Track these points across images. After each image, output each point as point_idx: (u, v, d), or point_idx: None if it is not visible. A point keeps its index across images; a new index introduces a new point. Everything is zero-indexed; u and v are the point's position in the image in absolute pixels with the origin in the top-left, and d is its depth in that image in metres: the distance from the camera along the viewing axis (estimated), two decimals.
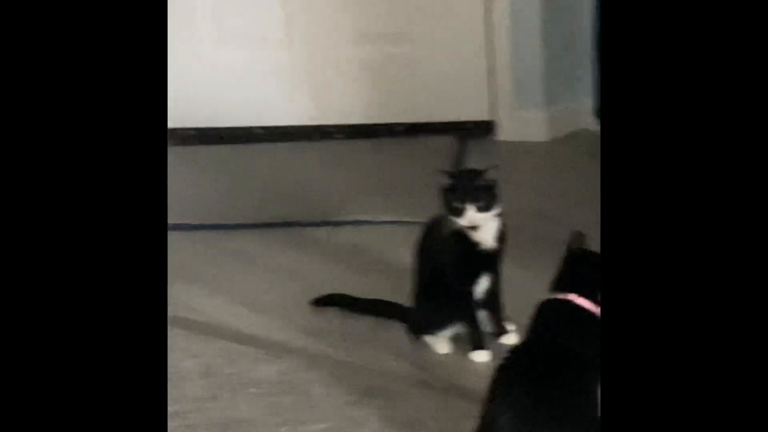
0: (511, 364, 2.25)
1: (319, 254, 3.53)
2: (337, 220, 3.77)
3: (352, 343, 2.98)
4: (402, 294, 3.05)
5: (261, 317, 3.15)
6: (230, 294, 3.27)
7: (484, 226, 2.77)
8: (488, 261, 2.82)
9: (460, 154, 4.28)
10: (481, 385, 2.67)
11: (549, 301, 2.33)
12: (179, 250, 3.27)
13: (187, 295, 3.23)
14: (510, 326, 2.93)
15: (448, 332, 2.91)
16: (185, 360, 2.87)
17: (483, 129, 4.46)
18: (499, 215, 2.80)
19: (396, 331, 3.01)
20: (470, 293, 2.84)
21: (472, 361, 2.86)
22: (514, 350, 2.29)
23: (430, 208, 3.75)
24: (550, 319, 2.31)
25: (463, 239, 2.78)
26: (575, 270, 2.35)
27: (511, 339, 2.90)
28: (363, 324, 3.07)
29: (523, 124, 4.41)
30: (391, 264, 3.41)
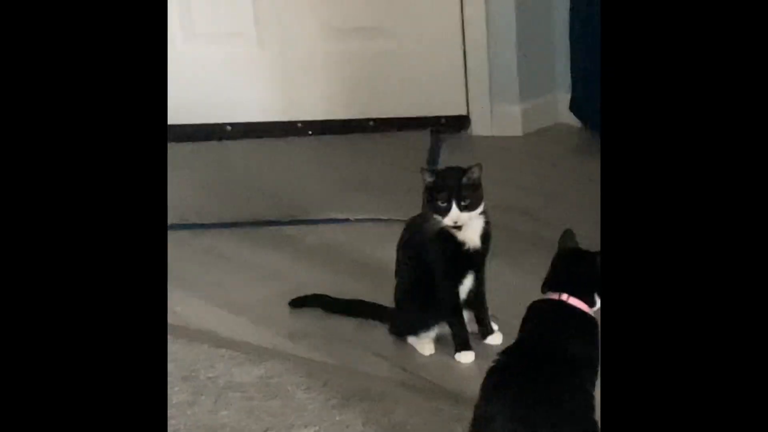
0: (504, 366, 2.24)
1: (296, 253, 3.51)
2: (313, 219, 3.75)
3: (334, 344, 2.96)
4: (383, 294, 3.04)
5: (240, 319, 3.12)
6: (207, 295, 3.25)
7: (468, 225, 2.76)
8: (473, 260, 2.82)
9: (434, 150, 4.28)
10: (468, 386, 2.68)
11: (541, 301, 2.32)
12: None
13: None
14: (494, 326, 2.92)
15: (432, 333, 2.90)
16: None
17: (458, 124, 4.45)
18: (484, 213, 2.78)
19: (378, 332, 2.99)
20: (454, 293, 2.83)
21: (457, 362, 2.85)
22: (506, 351, 2.28)
23: (407, 205, 3.75)
24: (543, 320, 2.30)
25: (447, 238, 2.77)
26: (567, 269, 2.34)
27: (496, 339, 2.90)
28: (344, 325, 3.06)
29: (498, 118, 4.41)
30: (369, 263, 3.40)
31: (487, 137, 4.43)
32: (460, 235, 2.77)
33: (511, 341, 2.80)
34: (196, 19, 4.44)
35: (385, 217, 3.69)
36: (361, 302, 3.07)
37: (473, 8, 4.29)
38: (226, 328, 3.07)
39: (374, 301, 3.06)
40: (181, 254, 3.49)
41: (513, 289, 3.05)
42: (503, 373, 2.23)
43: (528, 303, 2.97)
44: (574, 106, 4.37)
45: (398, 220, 3.58)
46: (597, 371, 2.25)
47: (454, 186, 2.72)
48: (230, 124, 4.45)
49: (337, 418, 2.61)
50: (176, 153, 4.42)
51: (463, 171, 2.74)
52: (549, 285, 2.34)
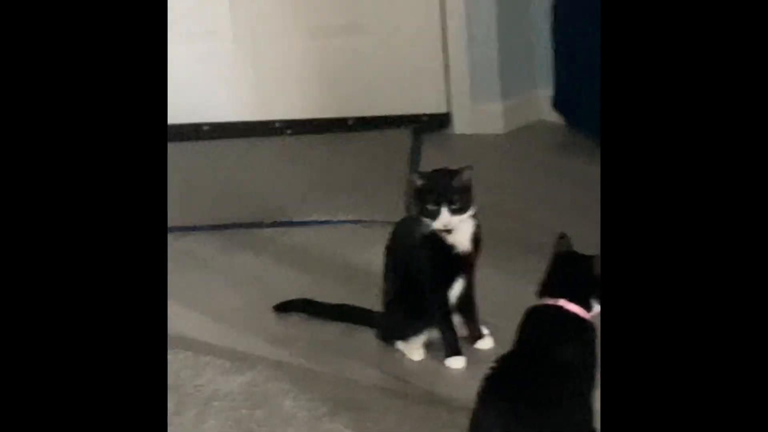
0: (500, 373, 2.21)
1: (277, 257, 3.47)
2: (293, 221, 3.71)
3: (320, 351, 2.92)
4: (368, 298, 3.01)
5: (223, 325, 3.08)
6: (188, 301, 3.20)
7: (458, 229, 2.72)
8: (463, 264, 2.78)
9: (415, 149, 4.24)
10: (460, 393, 2.65)
11: (538, 307, 2.29)
12: None
13: None
14: (484, 330, 2.89)
15: (422, 338, 2.86)
16: None
17: (438, 122, 4.42)
18: (474, 216, 2.75)
19: (365, 338, 2.96)
20: (444, 297, 2.80)
21: (447, 368, 2.82)
22: (503, 358, 2.24)
23: (389, 206, 3.73)
24: (539, 325, 2.27)
25: (437, 242, 2.74)
26: (563, 274, 2.31)
27: (486, 344, 2.87)
28: (330, 330, 3.02)
29: (479, 116, 4.38)
30: (353, 266, 3.36)
31: (468, 135, 4.40)
32: (450, 239, 2.73)
33: (502, 346, 2.79)
34: (170, 17, 4.34)
35: (368, 219, 3.66)
36: (347, 307, 3.03)
37: (453, 4, 4.26)
38: (208, 334, 3.03)
39: (360, 306, 3.02)
40: None
41: (501, 293, 3.02)
42: (500, 380, 2.20)
43: (517, 307, 2.94)
44: (557, 103, 4.35)
45: (381, 221, 3.56)
46: (595, 377, 2.22)
47: (445, 189, 2.69)
48: (207, 124, 4.40)
49: (326, 427, 2.58)
50: None
51: (454, 173, 2.71)
52: (545, 290, 2.31)
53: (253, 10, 4.36)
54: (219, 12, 4.35)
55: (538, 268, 3.17)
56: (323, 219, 3.69)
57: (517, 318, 2.88)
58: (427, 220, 2.71)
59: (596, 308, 2.29)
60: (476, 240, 2.77)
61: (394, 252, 2.87)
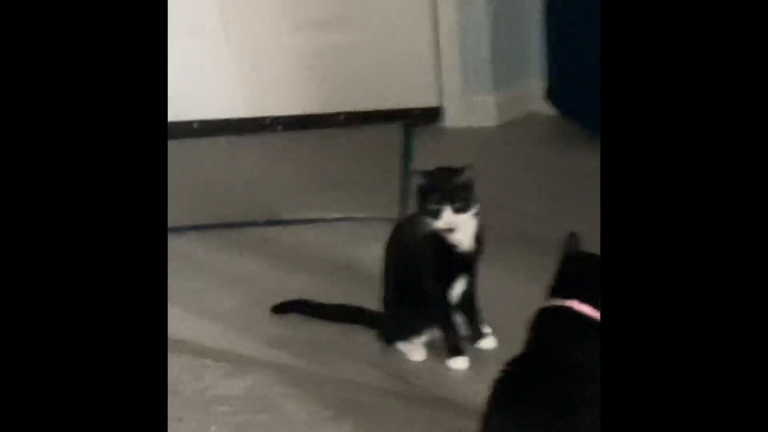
0: (512, 378, 2.19)
1: (273, 256, 3.45)
2: (287, 219, 3.70)
3: (320, 352, 2.91)
4: (367, 297, 2.99)
5: (220, 327, 3.06)
6: (183, 302, 3.17)
7: (461, 228, 2.71)
8: (465, 263, 2.77)
9: (407, 143, 4.23)
10: (464, 394, 2.64)
11: (549, 308, 2.27)
12: None
13: None
14: (486, 329, 2.88)
15: (423, 338, 2.85)
16: None
17: (430, 115, 4.40)
18: (477, 215, 2.73)
19: (366, 339, 2.94)
20: (446, 297, 2.78)
21: (450, 369, 2.80)
22: (514, 361, 2.22)
23: (383, 202, 3.72)
24: (551, 328, 2.25)
25: (438, 241, 2.72)
26: (574, 274, 2.29)
27: (489, 343, 2.86)
28: (329, 331, 3.00)
29: (471, 109, 4.37)
30: (350, 265, 3.34)
31: (460, 129, 4.39)
32: (453, 238, 2.72)
33: (505, 345, 2.79)
34: None
35: (363, 216, 3.64)
36: (346, 307, 3.01)
37: None
38: (206, 337, 3.01)
39: (359, 306, 3.00)
40: None
41: (500, 290, 3.02)
42: (512, 384, 2.18)
43: (517, 304, 2.94)
44: (550, 95, 4.33)
45: (377, 218, 3.55)
46: None
47: (447, 188, 2.67)
48: (197, 122, 4.37)
49: (331, 431, 2.55)
50: None
51: (456, 171, 2.69)
52: (555, 291, 2.29)
53: (242, 5, 4.34)
54: (208, 7, 4.33)
55: (538, 264, 3.16)
56: (317, 216, 3.67)
57: (517, 315, 2.87)
58: (428, 220, 2.69)
59: None
60: (478, 238, 2.75)
61: (395, 251, 2.85)
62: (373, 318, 2.92)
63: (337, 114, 4.40)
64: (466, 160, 2.78)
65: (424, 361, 2.84)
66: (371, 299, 2.94)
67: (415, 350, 2.84)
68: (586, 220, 3.53)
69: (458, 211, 2.68)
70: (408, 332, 2.84)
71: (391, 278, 2.86)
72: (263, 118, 4.39)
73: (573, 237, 2.33)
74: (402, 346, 2.86)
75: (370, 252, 3.28)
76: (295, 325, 3.04)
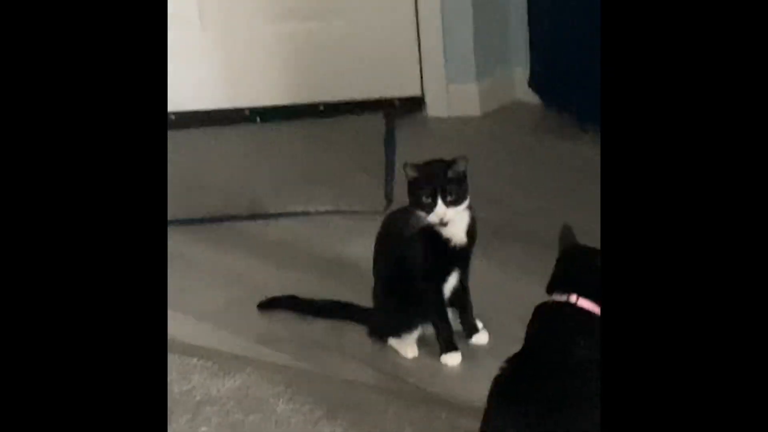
0: (513, 375, 2.18)
1: (256, 251, 3.42)
2: (271, 213, 3.67)
3: (310, 350, 2.89)
4: (355, 293, 2.97)
5: (206, 325, 3.04)
6: (168, 300, 3.11)
7: (454, 221, 2.69)
8: (458, 257, 2.75)
9: (390, 134, 4.20)
10: (459, 390, 2.63)
11: (548, 304, 2.25)
12: None
13: None
14: (479, 324, 2.86)
15: (415, 334, 2.83)
16: None
17: (413, 105, 4.38)
18: (469, 208, 2.72)
19: (355, 335, 2.92)
20: (439, 292, 2.77)
21: (443, 365, 2.79)
22: (515, 358, 2.21)
23: (368, 194, 3.69)
24: (551, 323, 2.23)
25: (431, 235, 2.70)
26: (573, 269, 2.27)
27: (482, 338, 2.84)
28: (318, 328, 2.98)
29: (454, 98, 4.35)
30: (337, 259, 3.32)
31: (443, 118, 4.37)
32: (446, 232, 2.70)
33: (498, 340, 2.78)
34: None
35: (349, 209, 3.62)
36: (335, 302, 2.99)
37: None
38: (192, 335, 2.98)
39: (348, 301, 2.98)
40: None
41: (492, 284, 3.00)
42: (512, 382, 2.16)
43: (509, 298, 2.95)
44: (534, 83, 4.32)
45: (362, 211, 3.53)
46: None
47: (439, 180, 2.65)
48: (174, 113, 4.32)
49: (325, 431, 2.53)
50: None
51: (448, 164, 2.68)
52: (555, 286, 2.27)
53: None
54: None
55: (529, 257, 3.18)
56: (301, 210, 3.64)
57: (509, 309, 2.88)
58: (421, 213, 2.67)
59: None
60: (471, 232, 2.73)
61: (386, 245, 2.83)
62: (363, 314, 2.90)
63: (317, 105, 4.37)
64: (451, 150, 2.77)
65: (416, 358, 2.82)
66: (361, 295, 2.92)
67: (407, 346, 2.83)
68: (577, 211, 3.53)
69: (451, 204, 2.66)
70: (400, 328, 2.82)
71: (382, 273, 2.84)
72: (242, 110, 4.36)
73: (567, 230, 2.31)
74: (394, 342, 2.84)
75: (358, 246, 3.27)
76: (283, 322, 3.02)
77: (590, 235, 2.27)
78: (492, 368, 2.68)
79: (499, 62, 4.38)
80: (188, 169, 4.03)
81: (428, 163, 2.70)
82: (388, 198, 3.64)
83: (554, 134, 4.19)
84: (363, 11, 4.31)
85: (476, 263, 2.89)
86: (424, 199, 2.65)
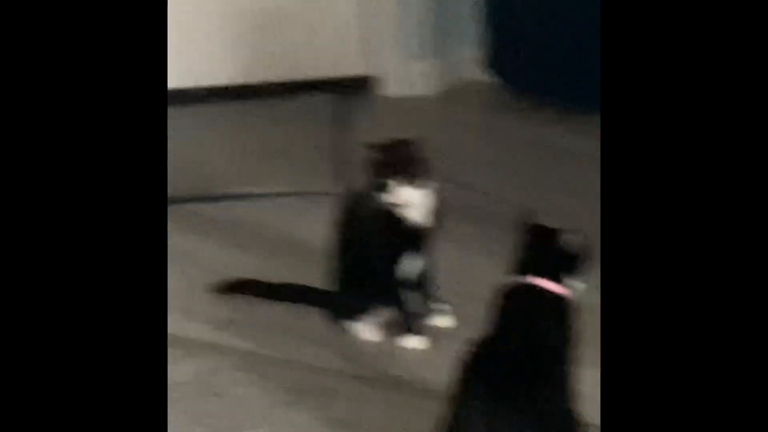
0: (478, 359, 2.17)
1: (211, 234, 3.40)
2: (223, 194, 3.64)
3: (269, 334, 2.86)
4: (313, 275, 2.95)
5: None
6: None
7: (414, 203, 2.68)
8: (419, 239, 2.74)
9: (341, 113, 4.19)
10: (422, 374, 2.62)
11: (512, 286, 2.25)
12: None
13: None
14: (442, 307, 2.86)
15: (376, 317, 2.82)
16: None
17: (364, 84, 4.36)
18: (431, 189, 2.70)
19: (315, 319, 2.90)
20: (400, 274, 2.76)
21: (405, 348, 2.78)
22: (481, 341, 2.20)
23: (320, 175, 3.68)
24: (515, 306, 2.23)
25: (390, 217, 2.69)
26: (535, 250, 2.27)
27: (444, 321, 2.84)
28: (277, 312, 2.96)
29: (406, 77, 4.34)
30: (292, 241, 3.31)
31: (395, 98, 4.36)
32: (405, 213, 2.69)
33: (460, 323, 2.78)
34: None
35: (304, 190, 3.60)
36: (293, 286, 2.97)
37: None
38: None
39: (306, 284, 2.96)
40: None
41: (453, 266, 2.99)
42: (478, 367, 2.15)
43: (470, 280, 2.94)
44: (488, 62, 4.32)
45: (318, 193, 3.51)
46: (575, 358, 2.20)
47: (398, 161, 2.64)
48: None
49: (289, 417, 2.52)
50: None
51: (408, 144, 2.66)
52: (518, 267, 2.27)
53: None
54: None
55: (489, 238, 3.18)
56: (254, 191, 3.62)
57: (471, 291, 2.87)
58: (380, 194, 2.65)
59: (571, 284, 2.26)
60: (433, 213, 2.72)
61: (345, 227, 2.81)
62: (323, 297, 2.88)
63: (266, 84, 4.34)
64: (404, 130, 2.76)
65: (378, 341, 2.81)
66: (317, 277, 2.90)
67: (368, 330, 2.82)
68: (536, 190, 3.55)
69: (410, 185, 2.64)
70: (360, 311, 2.81)
71: (341, 255, 2.82)
72: (188, 90, 4.31)
73: (528, 210, 2.30)
74: (354, 325, 2.83)
75: (312, 227, 3.26)
76: (240, 306, 2.99)
77: (550, 215, 2.28)
78: (453, 350, 2.69)
79: (453, 41, 4.38)
80: None
81: (388, 143, 2.68)
82: (342, 179, 3.63)
83: (510, 114, 4.19)
84: None
85: (436, 244, 2.89)
86: (383, 179, 2.64)
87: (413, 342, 2.77)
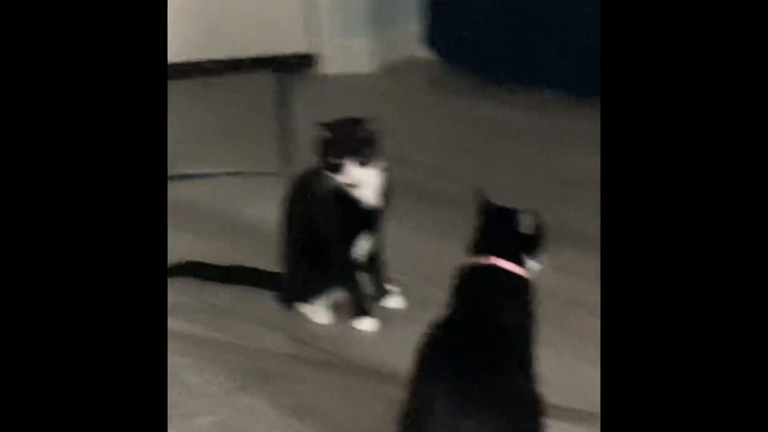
0: (440, 340, 2.14)
1: None
2: (168, 176, 3.57)
3: (217, 318, 2.83)
4: (258, 256, 2.92)
5: None
6: None
7: (365, 183, 2.65)
8: (370, 219, 2.72)
9: (281, 92, 4.15)
10: (374, 357, 2.60)
11: (470, 266, 2.22)
12: None
13: None
14: (392, 288, 2.84)
15: (327, 299, 2.79)
16: None
17: (304, 62, 4.32)
18: (382, 169, 2.68)
19: (263, 301, 2.87)
20: (351, 255, 2.73)
21: (357, 330, 2.75)
22: (441, 323, 2.17)
23: (262, 155, 3.64)
24: (475, 287, 2.21)
25: (342, 197, 2.66)
26: (493, 230, 2.25)
27: (395, 302, 2.82)
28: (223, 294, 2.92)
29: (347, 54, 4.30)
30: (237, 222, 3.27)
31: (336, 75, 4.33)
32: (357, 193, 2.66)
33: (411, 304, 2.76)
34: None
35: (244, 170, 3.56)
36: (240, 268, 2.93)
37: None
38: None
39: (253, 266, 2.92)
40: None
41: (402, 246, 2.96)
42: (439, 349, 2.13)
43: (420, 260, 2.93)
44: (429, 39, 4.29)
45: (259, 172, 3.48)
46: (536, 337, 2.19)
47: (350, 140, 2.61)
48: None
49: (242, 403, 2.49)
50: None
51: (359, 123, 2.63)
52: (476, 248, 2.25)
53: None
54: None
55: (438, 218, 3.16)
56: (194, 172, 3.57)
57: (422, 272, 2.87)
58: (331, 174, 2.62)
59: (530, 265, 2.24)
60: (384, 193, 2.70)
61: (294, 207, 2.78)
62: (271, 279, 2.85)
63: (204, 62, 4.28)
64: (346, 108, 2.73)
65: (329, 324, 2.78)
66: (263, 258, 2.88)
67: (319, 312, 2.79)
68: (482, 168, 3.54)
69: (362, 164, 2.62)
70: (311, 293, 2.78)
71: (292, 236, 2.79)
72: None
73: (481, 190, 2.28)
74: (305, 308, 2.80)
75: (257, 208, 3.23)
76: (186, 289, 2.93)
77: (499, 194, 2.26)
78: (407, 332, 2.65)
79: (393, 17, 4.35)
80: None
81: (339, 122, 2.65)
82: (285, 158, 3.59)
83: (452, 91, 4.18)
84: None
85: (386, 224, 2.87)
86: (334, 159, 2.60)
87: (365, 324, 2.75)
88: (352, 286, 2.75)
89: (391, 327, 2.75)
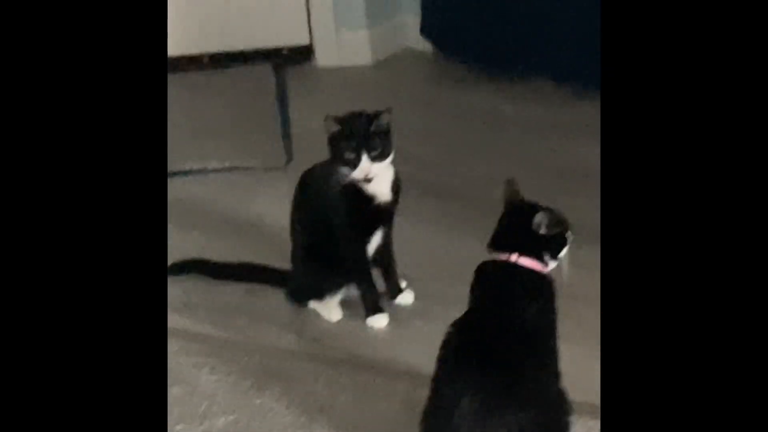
0: (462, 340, 2.11)
1: None
2: (169, 172, 3.53)
3: (227, 316, 2.79)
4: (264, 253, 2.90)
5: None
6: None
7: (378, 177, 2.62)
8: (383, 215, 2.68)
9: (279, 85, 4.11)
10: (387, 354, 2.58)
11: (491, 263, 2.19)
12: None
13: None
14: (403, 284, 2.81)
15: (338, 296, 2.76)
16: None
17: (301, 55, 4.29)
18: (393, 163, 2.65)
19: (273, 299, 2.84)
20: (363, 251, 2.70)
21: (370, 328, 2.72)
22: (461, 322, 2.14)
23: (263, 150, 3.61)
24: (495, 284, 2.17)
25: (355, 193, 2.62)
26: (515, 226, 2.22)
27: (407, 298, 2.79)
28: (233, 293, 2.89)
29: (344, 46, 4.27)
30: (241, 218, 3.24)
31: (334, 68, 4.30)
32: (370, 189, 2.62)
33: (422, 300, 2.73)
34: None
35: (247, 165, 3.53)
36: (249, 265, 2.90)
37: None
38: None
39: (262, 264, 2.89)
40: None
41: (409, 241, 2.93)
42: (462, 348, 2.10)
43: (427, 255, 2.90)
44: (425, 30, 4.26)
45: (261, 168, 3.44)
46: (557, 335, 2.16)
47: (363, 135, 2.57)
48: None
49: (256, 403, 2.45)
50: None
51: (371, 117, 2.60)
52: (496, 244, 2.22)
53: None
54: None
55: (441, 212, 3.13)
56: (196, 167, 3.53)
57: (430, 267, 2.84)
58: (344, 169, 2.59)
59: (551, 263, 2.21)
60: (396, 188, 2.67)
61: (305, 203, 2.74)
62: (280, 276, 2.82)
63: (202, 56, 4.24)
64: (344, 101, 2.73)
65: (340, 321, 2.75)
66: (269, 255, 2.85)
67: (330, 309, 2.75)
68: (482, 161, 3.51)
69: (376, 159, 2.58)
70: (322, 290, 2.75)
71: (301, 233, 2.76)
72: None
73: (512, 184, 2.24)
74: (316, 305, 2.76)
75: (261, 204, 3.20)
76: (194, 287, 2.91)
77: (497, 186, 2.22)
78: (419, 329, 2.66)
79: (390, 9, 4.31)
80: None
81: (351, 116, 2.61)
82: (288, 153, 3.56)
83: (449, 83, 4.15)
84: None
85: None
86: (347, 154, 2.57)
87: (378, 321, 2.71)
88: (363, 282, 2.72)
89: (402, 323, 2.73)
